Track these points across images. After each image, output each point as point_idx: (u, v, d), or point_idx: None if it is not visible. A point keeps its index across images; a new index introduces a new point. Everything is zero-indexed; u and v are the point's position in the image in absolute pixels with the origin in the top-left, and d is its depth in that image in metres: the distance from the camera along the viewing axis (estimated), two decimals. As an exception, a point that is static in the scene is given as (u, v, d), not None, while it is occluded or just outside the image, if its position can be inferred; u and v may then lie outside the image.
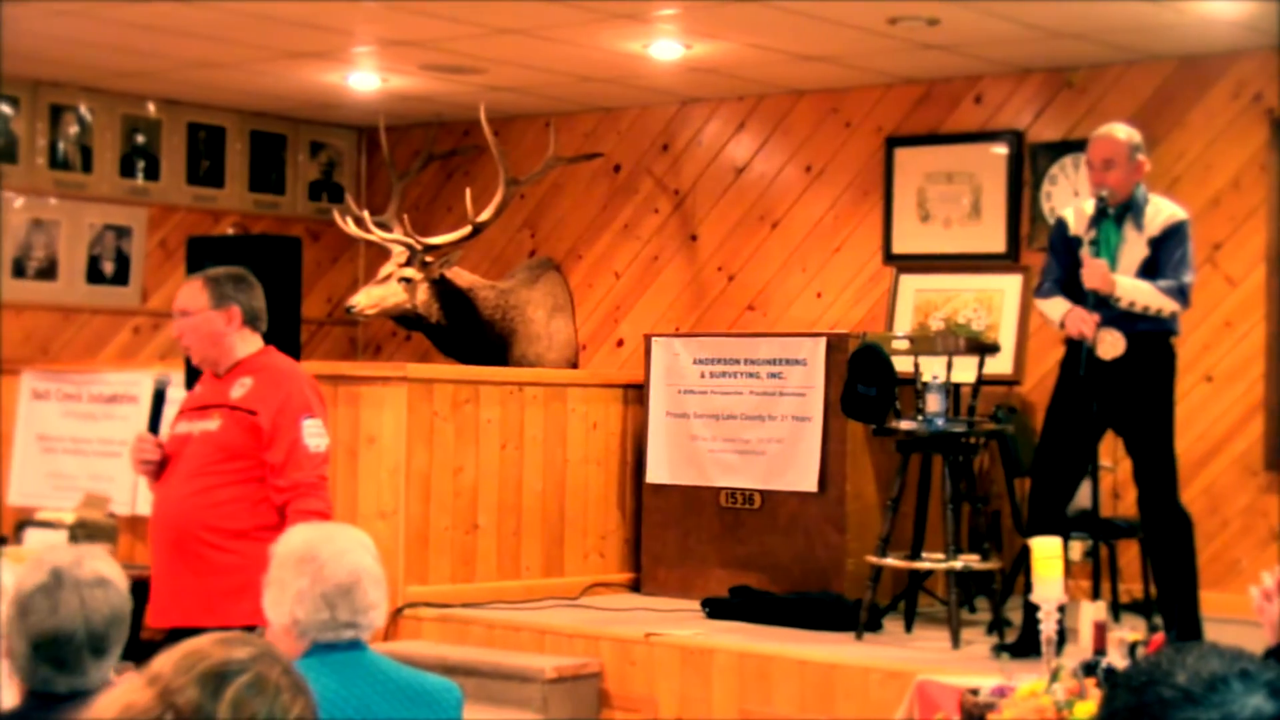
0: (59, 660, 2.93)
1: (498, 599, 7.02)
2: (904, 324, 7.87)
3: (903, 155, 8.14)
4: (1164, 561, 5.94)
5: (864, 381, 6.52)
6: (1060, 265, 5.98)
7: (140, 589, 4.96)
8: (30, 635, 2.93)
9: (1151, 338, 5.85)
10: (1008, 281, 7.58)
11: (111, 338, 9.00)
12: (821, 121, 8.43)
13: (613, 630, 6.44)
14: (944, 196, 8.03)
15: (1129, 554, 6.94)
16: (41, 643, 2.92)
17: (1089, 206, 5.98)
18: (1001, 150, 7.88)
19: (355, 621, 3.33)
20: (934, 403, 6.27)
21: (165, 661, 2.01)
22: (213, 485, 4.68)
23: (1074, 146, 7.52)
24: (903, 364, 6.46)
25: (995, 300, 7.68)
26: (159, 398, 4.87)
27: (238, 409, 4.73)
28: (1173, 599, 5.82)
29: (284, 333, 7.81)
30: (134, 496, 7.42)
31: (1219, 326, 7.36)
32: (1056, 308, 5.91)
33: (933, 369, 6.30)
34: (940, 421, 6.25)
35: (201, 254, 8.15)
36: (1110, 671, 4.52)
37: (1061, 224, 6.06)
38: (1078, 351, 5.85)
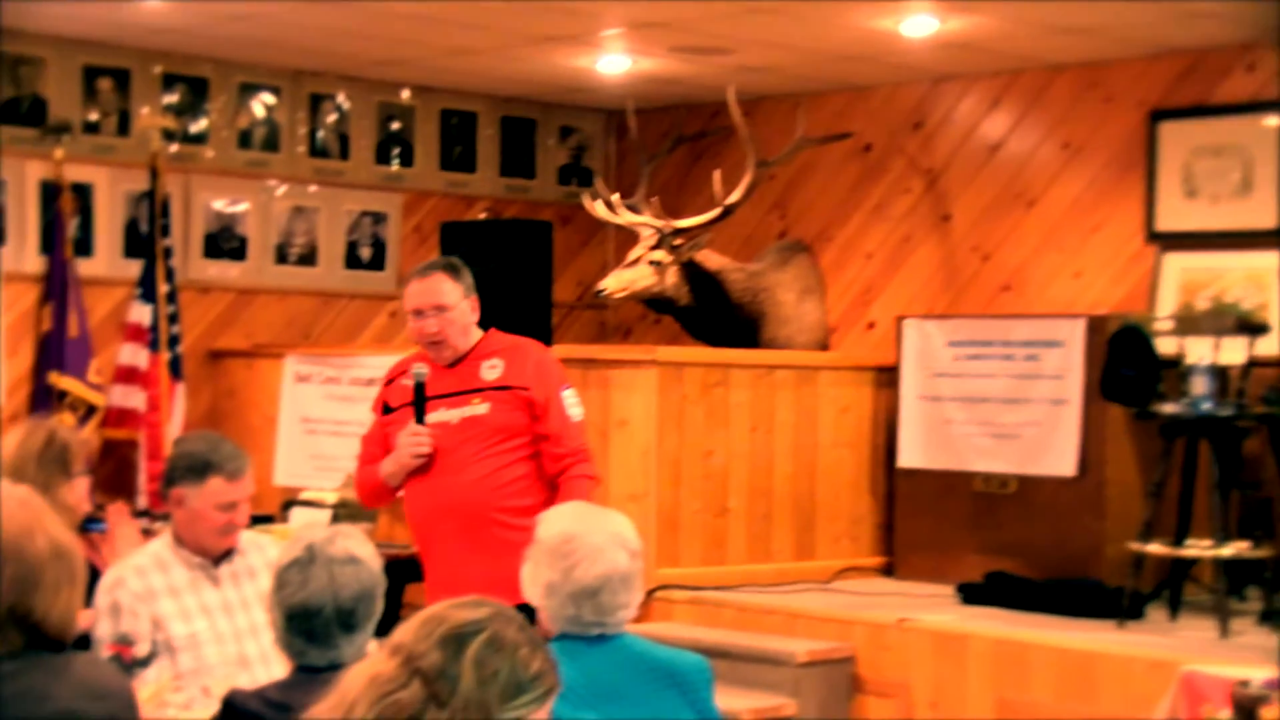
0: (309, 633, 3.01)
1: (748, 582, 6.98)
2: (1167, 304, 7.60)
3: (1167, 129, 7.85)
4: None
5: (1125, 364, 6.34)
6: None
7: (399, 569, 5.05)
8: (284, 607, 3.03)
9: None
10: (1280, 259, 7.26)
11: (369, 322, 9.21)
12: (1080, 96, 8.18)
13: (865, 615, 6.36)
14: (1212, 171, 7.72)
15: None
16: (294, 614, 3.02)
17: None
18: (1276, 121, 7.53)
19: (602, 621, 3.33)
20: (1200, 385, 6.05)
21: (405, 630, 2.07)
22: (500, 466, 4.79)
23: (1353, 116, 7.17)
24: (1167, 346, 6.25)
25: (1266, 278, 7.36)
26: (420, 390, 4.92)
27: (507, 388, 4.81)
28: None
29: (535, 316, 7.90)
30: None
31: None
32: None
33: (1199, 350, 6.07)
34: (1207, 404, 6.03)
35: (455, 239, 8.30)
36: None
37: None
38: None
